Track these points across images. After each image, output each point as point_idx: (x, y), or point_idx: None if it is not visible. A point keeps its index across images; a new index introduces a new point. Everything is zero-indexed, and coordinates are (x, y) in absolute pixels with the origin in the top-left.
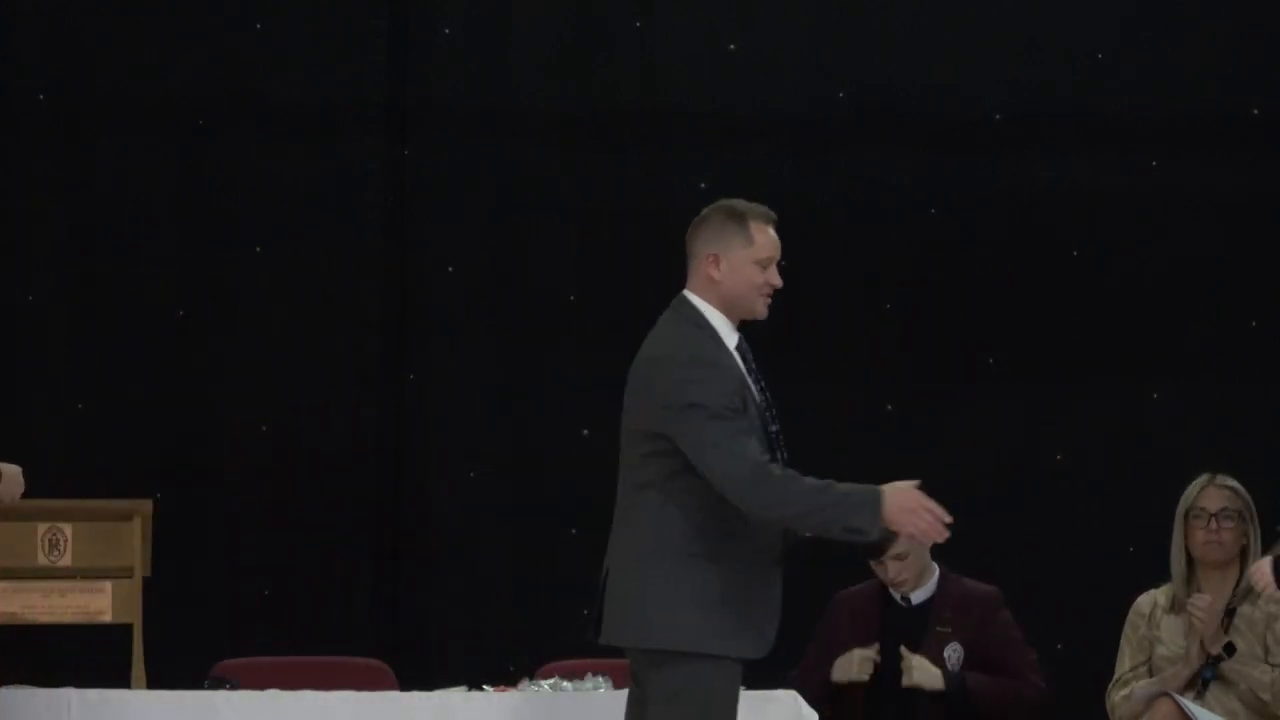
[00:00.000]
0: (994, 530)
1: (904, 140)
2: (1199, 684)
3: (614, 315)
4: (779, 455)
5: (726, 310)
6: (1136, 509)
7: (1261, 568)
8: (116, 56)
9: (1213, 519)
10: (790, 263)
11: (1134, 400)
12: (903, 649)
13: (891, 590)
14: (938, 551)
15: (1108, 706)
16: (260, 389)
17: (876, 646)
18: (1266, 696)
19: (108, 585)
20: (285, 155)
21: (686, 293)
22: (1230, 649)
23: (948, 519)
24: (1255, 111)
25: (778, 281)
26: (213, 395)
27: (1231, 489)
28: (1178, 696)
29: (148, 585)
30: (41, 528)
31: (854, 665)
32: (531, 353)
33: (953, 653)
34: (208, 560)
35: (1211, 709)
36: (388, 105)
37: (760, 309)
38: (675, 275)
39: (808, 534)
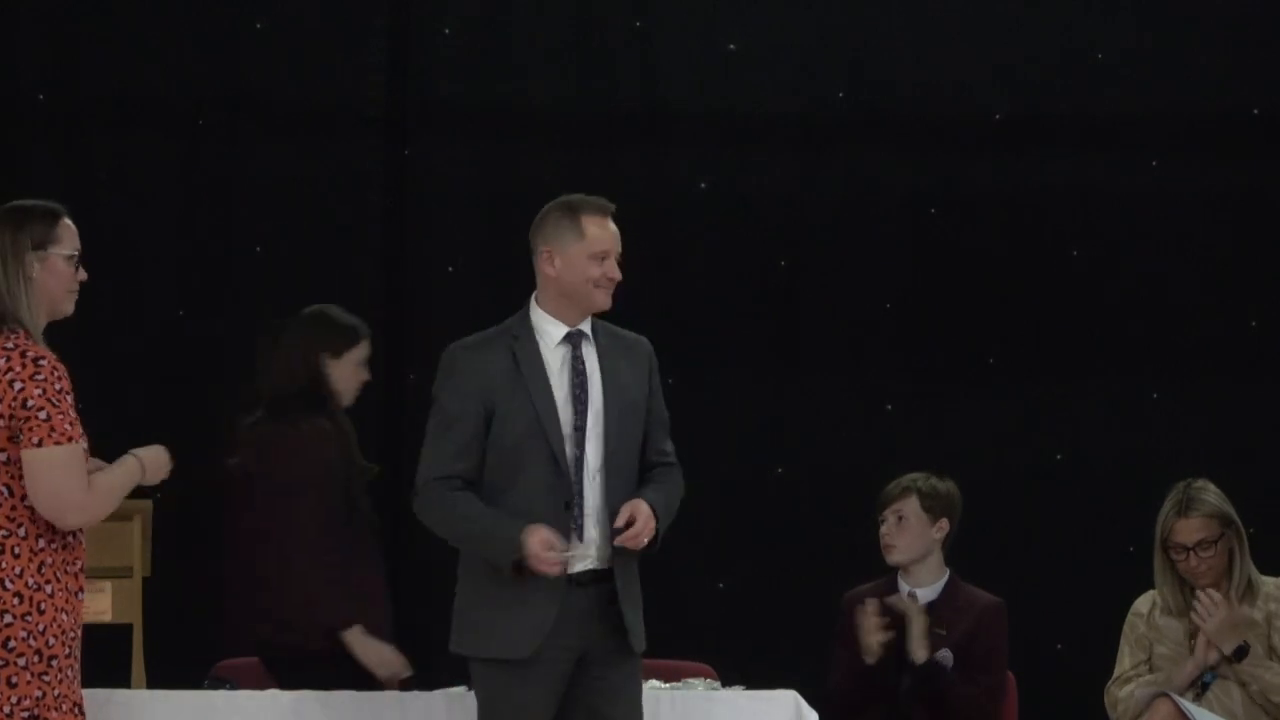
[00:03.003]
0: (993, 530)
1: (904, 140)
2: (1198, 685)
3: (613, 315)
4: (577, 451)
5: (565, 305)
6: (1136, 509)
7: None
8: (116, 56)
9: (1191, 553)
10: (790, 262)
11: (1134, 400)
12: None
13: (900, 585)
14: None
15: (1107, 704)
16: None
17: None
18: (1277, 699)
19: (108, 585)
20: (285, 155)
21: (534, 295)
22: (1242, 652)
23: (559, 565)
24: (1255, 111)
25: (616, 274)
26: (213, 395)
27: (1203, 516)
28: (1177, 697)
29: (148, 585)
30: None
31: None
32: None
33: (943, 657)
34: (208, 560)
35: (1211, 709)
36: (388, 105)
37: (599, 301)
38: (675, 275)
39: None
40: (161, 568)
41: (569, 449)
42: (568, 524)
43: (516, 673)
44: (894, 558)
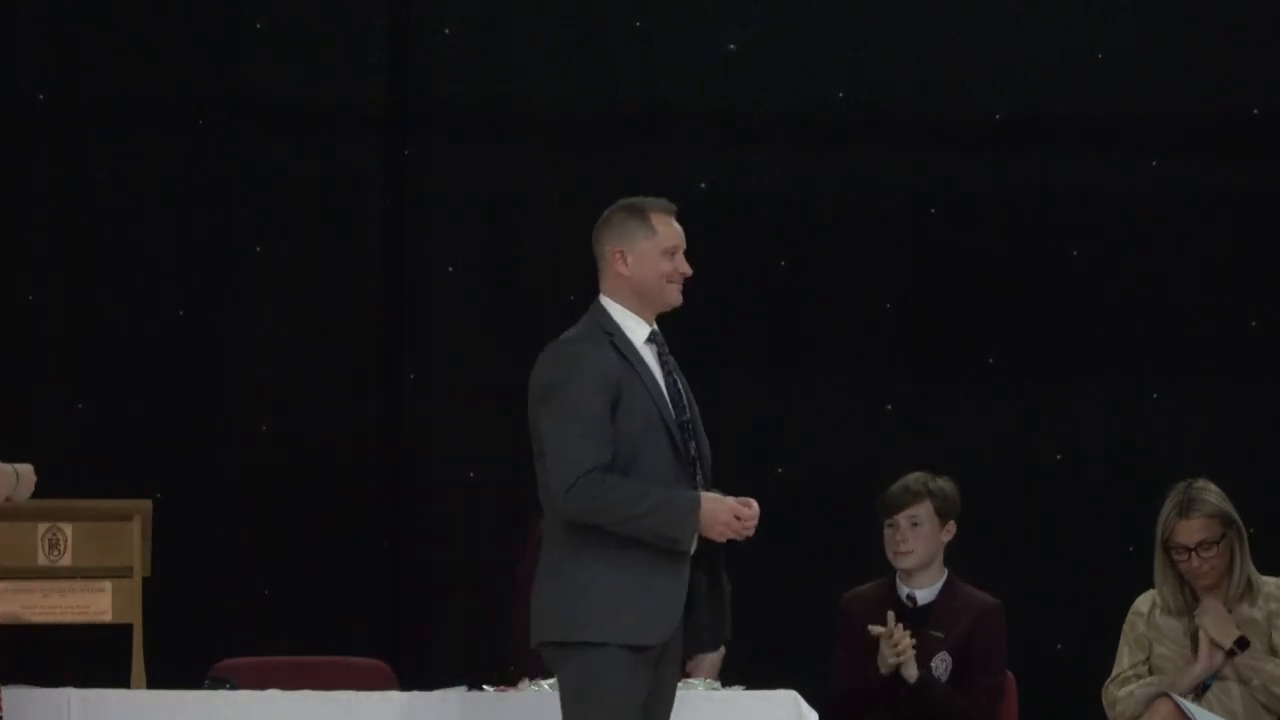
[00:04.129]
0: (993, 530)
1: (904, 140)
2: (1199, 686)
3: None
4: (690, 445)
5: (639, 304)
6: (1136, 509)
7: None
8: (116, 56)
9: (1192, 554)
10: (790, 262)
11: (1134, 400)
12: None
13: (898, 587)
14: (947, 554)
15: (1105, 703)
16: (260, 389)
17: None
18: (1279, 690)
19: (108, 585)
20: (285, 155)
21: (601, 297)
22: (1244, 643)
23: (750, 520)
24: (1255, 111)
25: (687, 269)
26: (213, 395)
27: (1205, 516)
28: (1177, 697)
29: (148, 585)
30: (41, 528)
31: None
32: (531, 353)
33: (940, 662)
34: (208, 560)
35: (1211, 709)
36: (388, 105)
37: (673, 297)
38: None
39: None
40: (161, 568)
41: (683, 441)
42: None
43: (641, 658)
44: (908, 563)
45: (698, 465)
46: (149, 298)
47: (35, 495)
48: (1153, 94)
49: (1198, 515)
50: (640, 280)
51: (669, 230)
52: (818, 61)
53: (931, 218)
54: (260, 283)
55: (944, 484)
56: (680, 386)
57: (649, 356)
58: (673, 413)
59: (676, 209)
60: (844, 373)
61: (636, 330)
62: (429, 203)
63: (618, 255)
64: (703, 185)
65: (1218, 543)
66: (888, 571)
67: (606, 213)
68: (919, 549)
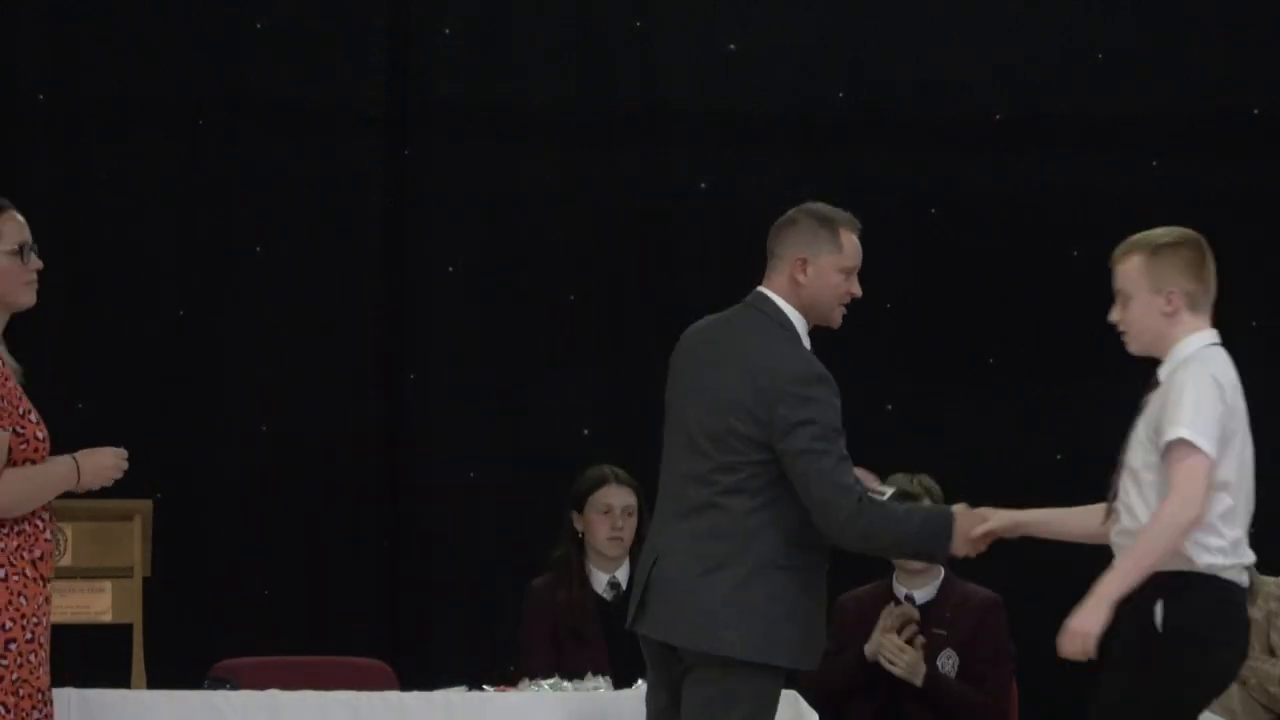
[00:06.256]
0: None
1: (904, 140)
2: None
3: (614, 315)
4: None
5: (804, 315)
6: None
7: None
8: (116, 56)
9: None
10: None
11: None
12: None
13: (895, 587)
14: None
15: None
16: (260, 389)
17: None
18: (1275, 689)
19: (108, 585)
20: (285, 155)
21: (769, 294)
22: None
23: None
24: (1255, 111)
25: (858, 291)
26: (213, 395)
27: None
28: None
29: (148, 585)
30: None
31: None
32: (531, 352)
33: (946, 660)
34: (208, 560)
35: (1211, 709)
36: (388, 105)
37: (837, 317)
38: (675, 275)
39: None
40: (161, 568)
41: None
42: None
43: (782, 678)
44: (914, 562)
45: None
46: (149, 298)
47: None
48: (1153, 94)
49: None
50: (814, 293)
51: (853, 249)
52: (818, 61)
53: (931, 218)
54: (260, 283)
55: (931, 482)
56: None
57: None
58: None
59: (861, 227)
60: (844, 373)
61: (805, 340)
62: (429, 203)
63: (799, 263)
64: (703, 185)
65: None
66: (887, 572)
67: (793, 214)
68: None
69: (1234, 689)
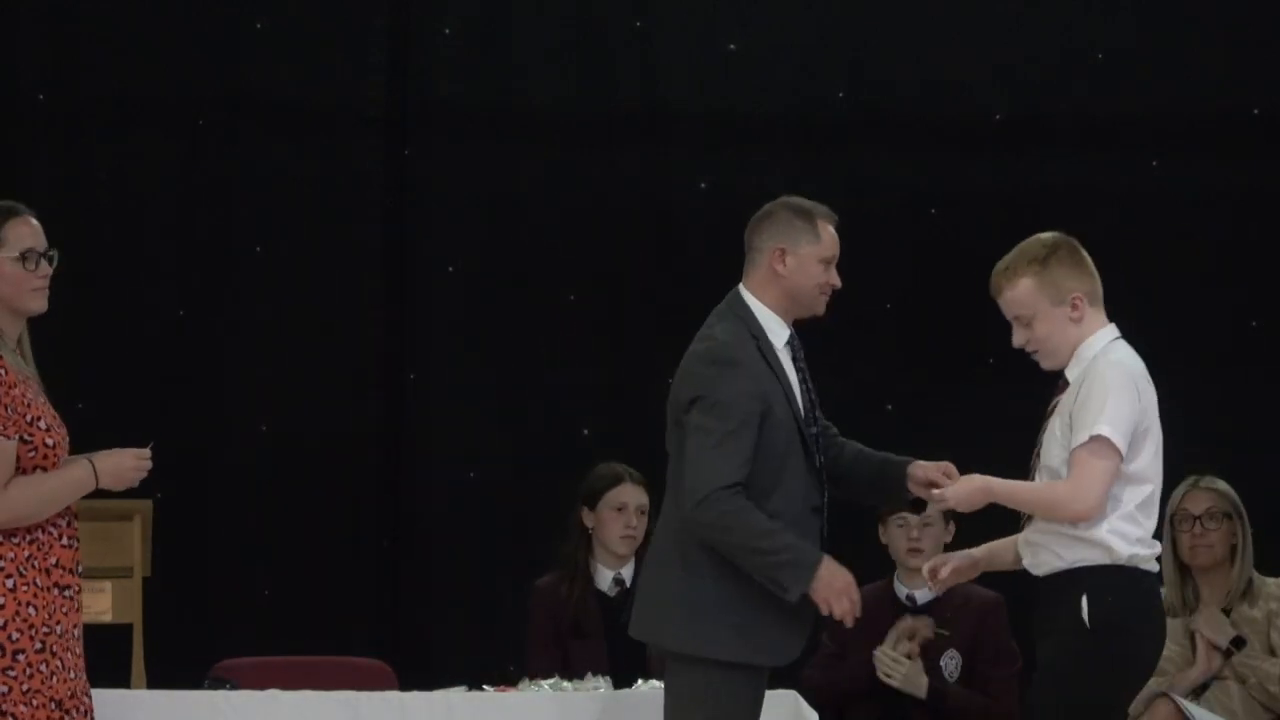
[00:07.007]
0: (993, 530)
1: (904, 140)
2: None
3: (614, 315)
4: (818, 459)
5: (785, 306)
6: None
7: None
8: (116, 56)
9: (1197, 522)
10: None
11: None
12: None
13: (896, 588)
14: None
15: None
16: (260, 389)
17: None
18: (1275, 688)
19: (108, 585)
20: (285, 155)
21: (741, 288)
22: (1240, 642)
23: (857, 614)
24: (1255, 111)
25: (838, 282)
26: (213, 395)
27: (1217, 491)
28: (1177, 697)
29: (148, 585)
30: None
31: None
32: (532, 352)
33: (949, 660)
34: (208, 560)
35: (1211, 709)
36: (388, 105)
37: (820, 306)
38: (675, 275)
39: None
40: (161, 568)
41: (817, 454)
42: (819, 528)
43: (762, 677)
44: (919, 561)
45: (824, 479)
46: (149, 298)
47: None
48: (1153, 94)
49: (1208, 489)
50: (795, 283)
51: (831, 240)
52: (818, 61)
53: (931, 218)
54: (260, 282)
55: None
56: (812, 396)
57: (785, 361)
58: (807, 425)
59: (838, 219)
60: (844, 373)
61: (778, 333)
62: (429, 203)
63: (778, 254)
64: (703, 185)
65: (1222, 518)
66: (888, 572)
67: (770, 207)
68: (929, 548)
69: (1234, 689)
